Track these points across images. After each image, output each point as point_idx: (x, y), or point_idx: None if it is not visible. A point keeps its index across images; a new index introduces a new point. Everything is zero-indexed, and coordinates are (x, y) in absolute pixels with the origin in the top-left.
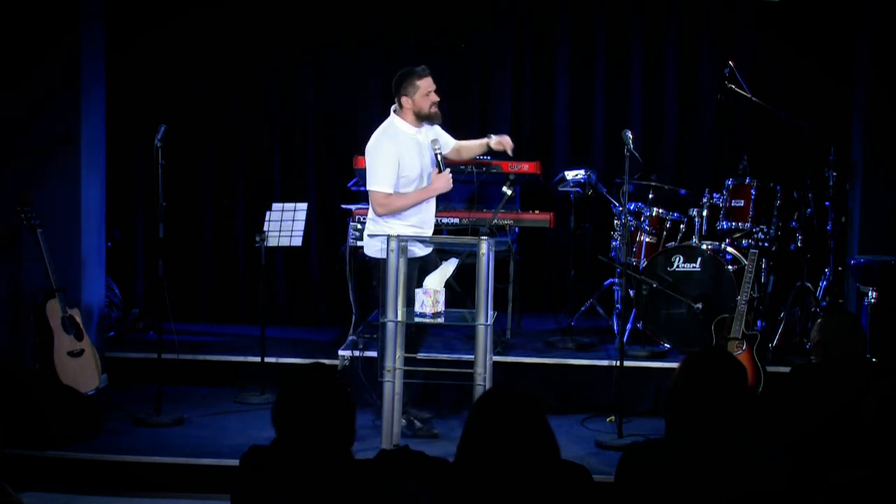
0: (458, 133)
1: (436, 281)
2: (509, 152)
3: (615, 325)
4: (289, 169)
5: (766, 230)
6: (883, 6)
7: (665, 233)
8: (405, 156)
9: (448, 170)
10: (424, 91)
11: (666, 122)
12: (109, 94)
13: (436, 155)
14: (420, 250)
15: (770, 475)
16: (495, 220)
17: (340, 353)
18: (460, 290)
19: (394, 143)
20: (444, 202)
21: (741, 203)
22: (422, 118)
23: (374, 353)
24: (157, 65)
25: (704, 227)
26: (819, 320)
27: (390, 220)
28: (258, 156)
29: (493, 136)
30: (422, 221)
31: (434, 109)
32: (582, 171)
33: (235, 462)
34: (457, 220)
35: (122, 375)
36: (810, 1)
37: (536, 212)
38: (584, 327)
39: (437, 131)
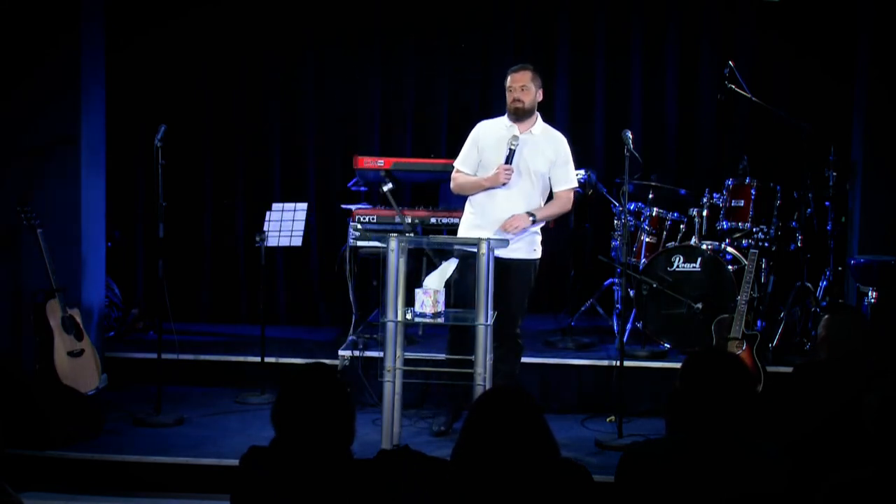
0: (455, 133)
1: (436, 281)
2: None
3: (615, 325)
4: (289, 169)
5: (766, 230)
6: (883, 6)
7: (665, 233)
8: (485, 143)
9: (509, 166)
10: (507, 86)
11: (666, 122)
12: (109, 94)
13: (510, 149)
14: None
15: (770, 475)
16: None
17: (340, 353)
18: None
19: (483, 128)
20: (444, 202)
21: (741, 203)
22: (509, 113)
23: (373, 354)
24: (157, 65)
25: (704, 227)
26: (825, 317)
27: (467, 210)
28: (258, 156)
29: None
30: (486, 222)
31: (513, 105)
32: (582, 171)
33: (235, 462)
34: (456, 220)
35: (122, 375)
36: (810, 1)
37: None
38: (584, 327)
39: (562, 161)
